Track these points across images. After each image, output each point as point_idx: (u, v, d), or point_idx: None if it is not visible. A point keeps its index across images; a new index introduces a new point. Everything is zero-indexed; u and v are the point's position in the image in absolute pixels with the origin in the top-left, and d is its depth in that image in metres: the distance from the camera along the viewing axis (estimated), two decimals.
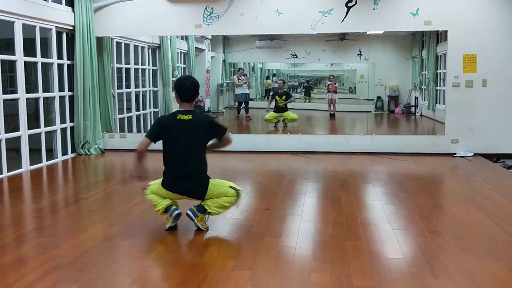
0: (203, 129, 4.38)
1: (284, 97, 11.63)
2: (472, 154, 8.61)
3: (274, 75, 14.68)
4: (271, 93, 14.45)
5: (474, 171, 7.57)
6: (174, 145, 4.37)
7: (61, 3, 8.47)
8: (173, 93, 4.57)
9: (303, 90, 14.59)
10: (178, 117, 4.36)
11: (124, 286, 3.39)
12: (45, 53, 8.23)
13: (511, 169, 8.30)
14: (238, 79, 12.98)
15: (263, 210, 5.25)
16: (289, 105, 11.67)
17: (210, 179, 4.45)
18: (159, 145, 4.42)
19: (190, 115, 4.36)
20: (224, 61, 13.89)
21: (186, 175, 4.36)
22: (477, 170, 7.67)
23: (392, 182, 6.77)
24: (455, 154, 8.68)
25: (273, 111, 11.71)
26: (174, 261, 3.84)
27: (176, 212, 4.45)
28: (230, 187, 4.48)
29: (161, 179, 4.51)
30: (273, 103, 11.69)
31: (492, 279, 3.50)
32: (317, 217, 5.10)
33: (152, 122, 11.34)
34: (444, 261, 3.79)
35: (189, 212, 4.45)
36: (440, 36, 11.41)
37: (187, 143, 4.34)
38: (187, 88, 4.39)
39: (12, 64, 7.58)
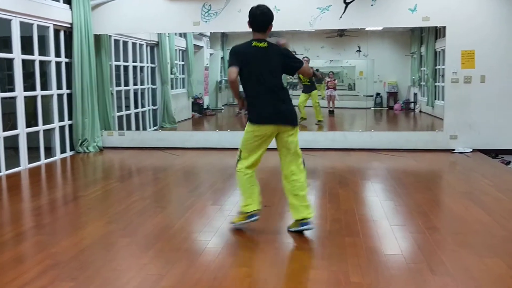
0: (279, 56, 4.29)
1: None
2: (471, 150, 8.61)
3: None
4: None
5: (473, 167, 7.57)
6: (255, 74, 4.23)
7: (58, 1, 8.46)
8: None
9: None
10: (253, 44, 4.28)
11: (122, 284, 3.38)
12: (43, 51, 8.21)
13: (509, 165, 8.29)
14: None
15: (262, 207, 5.24)
16: None
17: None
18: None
19: (265, 43, 4.28)
20: (222, 58, 13.87)
21: (277, 103, 4.26)
22: (476, 166, 7.67)
23: (390, 179, 6.77)
24: (454, 150, 8.68)
25: (302, 92, 12.05)
26: (171, 258, 3.84)
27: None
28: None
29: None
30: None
31: (490, 274, 3.50)
32: (315, 213, 5.07)
33: (151, 119, 11.39)
34: (442, 257, 3.79)
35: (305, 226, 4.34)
36: (438, 32, 11.39)
37: (267, 70, 4.24)
38: (257, 17, 4.28)
39: (10, 62, 7.57)
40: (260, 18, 4.28)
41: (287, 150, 4.34)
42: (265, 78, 4.23)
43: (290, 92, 4.63)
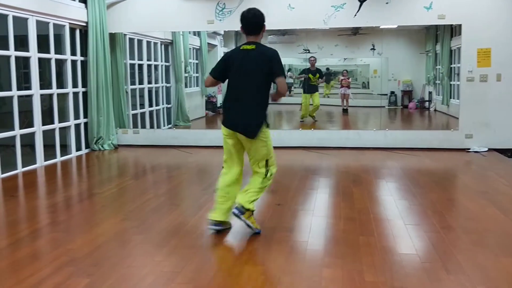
0: (265, 61, 4.15)
1: (317, 75, 12.07)
2: (486, 149, 8.52)
3: (289, 70, 14.62)
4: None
5: (488, 166, 7.49)
6: (237, 77, 4.19)
7: (74, 0, 8.52)
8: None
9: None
10: (241, 48, 4.24)
11: (137, 280, 3.41)
12: (59, 49, 8.28)
13: None
14: None
15: (275, 205, 5.26)
16: None
17: (264, 126, 4.17)
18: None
19: (254, 45, 4.21)
20: None
21: (243, 110, 4.18)
22: (491, 165, 7.59)
23: (405, 178, 6.73)
24: (469, 149, 8.60)
25: (304, 92, 11.99)
26: (186, 255, 3.86)
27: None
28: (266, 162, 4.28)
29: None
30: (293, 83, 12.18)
31: (505, 274, 3.48)
32: (329, 212, 5.09)
33: (165, 118, 11.45)
34: (457, 256, 3.77)
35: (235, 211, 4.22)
36: (454, 30, 11.31)
37: (249, 74, 4.17)
38: (248, 19, 4.24)
39: (26, 61, 7.65)
40: (252, 20, 4.23)
41: (252, 156, 4.28)
42: (242, 82, 4.18)
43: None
